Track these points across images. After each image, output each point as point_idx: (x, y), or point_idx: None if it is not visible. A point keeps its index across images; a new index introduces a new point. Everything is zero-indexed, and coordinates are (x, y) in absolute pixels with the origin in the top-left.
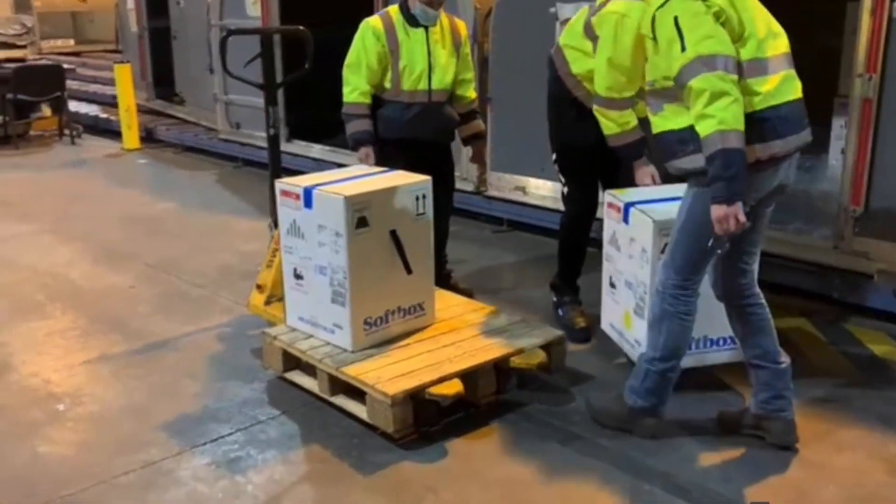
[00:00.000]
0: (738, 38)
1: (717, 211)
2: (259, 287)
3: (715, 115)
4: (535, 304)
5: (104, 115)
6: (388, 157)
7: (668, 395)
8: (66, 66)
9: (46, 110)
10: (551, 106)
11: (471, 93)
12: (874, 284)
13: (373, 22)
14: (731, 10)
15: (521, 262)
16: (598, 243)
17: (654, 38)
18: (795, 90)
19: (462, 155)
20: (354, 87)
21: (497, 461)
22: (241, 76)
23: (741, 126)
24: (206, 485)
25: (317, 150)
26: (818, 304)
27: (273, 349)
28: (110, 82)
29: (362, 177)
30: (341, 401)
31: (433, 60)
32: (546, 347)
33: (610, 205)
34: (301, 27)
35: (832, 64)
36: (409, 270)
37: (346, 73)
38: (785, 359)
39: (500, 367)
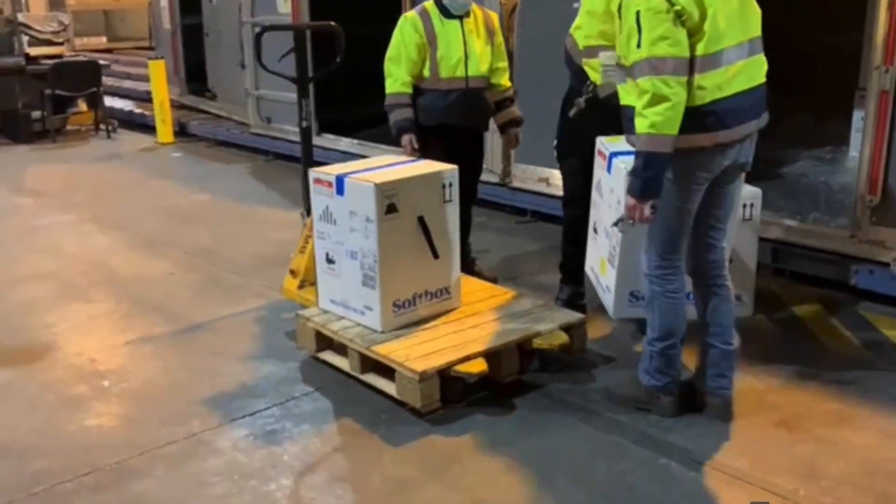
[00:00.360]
0: (697, 32)
1: (628, 200)
2: (292, 272)
3: (649, 118)
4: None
5: (138, 111)
6: (426, 143)
7: (678, 372)
8: (102, 62)
9: (83, 105)
10: (565, 96)
11: (505, 81)
12: (890, 272)
13: (410, 15)
14: (692, 8)
15: (544, 251)
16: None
17: (622, 20)
18: (753, 78)
19: (488, 146)
20: (396, 79)
21: (518, 435)
22: (275, 70)
23: (674, 130)
24: (244, 454)
25: (345, 144)
26: (836, 292)
27: (306, 330)
28: (144, 78)
29: (392, 165)
30: (371, 378)
31: (469, 49)
32: (568, 330)
33: (599, 152)
34: (333, 23)
35: (856, 58)
36: (435, 255)
37: (388, 65)
38: (735, 342)
39: (522, 348)
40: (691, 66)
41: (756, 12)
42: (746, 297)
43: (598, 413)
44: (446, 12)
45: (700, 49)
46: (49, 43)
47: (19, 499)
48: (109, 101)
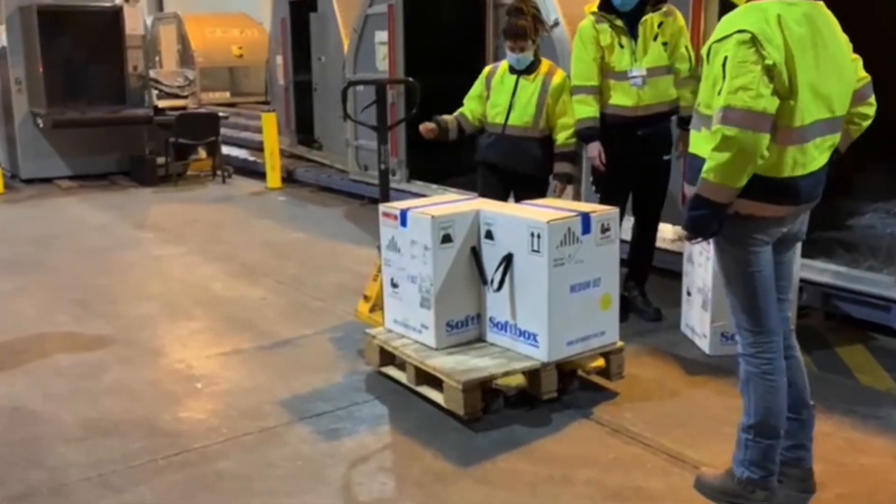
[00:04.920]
0: (785, 98)
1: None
2: (365, 297)
3: (711, 161)
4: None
5: (252, 158)
6: (480, 173)
7: (775, 464)
8: (221, 114)
9: (202, 153)
10: None
11: (562, 137)
12: None
13: (487, 68)
14: (782, 67)
15: None
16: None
17: (708, 65)
18: (827, 157)
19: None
20: (464, 105)
21: (548, 444)
22: (358, 119)
23: (727, 181)
24: (308, 446)
25: (433, 190)
26: (882, 336)
27: (372, 346)
28: (260, 130)
29: (452, 202)
30: (424, 389)
31: (515, 100)
32: (605, 355)
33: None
34: (409, 78)
35: None
36: (485, 282)
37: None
38: (807, 412)
39: (562, 369)
40: (774, 130)
41: (849, 92)
42: None
43: (627, 429)
44: (512, 69)
45: (785, 119)
46: (175, 96)
47: (120, 469)
48: (227, 150)
